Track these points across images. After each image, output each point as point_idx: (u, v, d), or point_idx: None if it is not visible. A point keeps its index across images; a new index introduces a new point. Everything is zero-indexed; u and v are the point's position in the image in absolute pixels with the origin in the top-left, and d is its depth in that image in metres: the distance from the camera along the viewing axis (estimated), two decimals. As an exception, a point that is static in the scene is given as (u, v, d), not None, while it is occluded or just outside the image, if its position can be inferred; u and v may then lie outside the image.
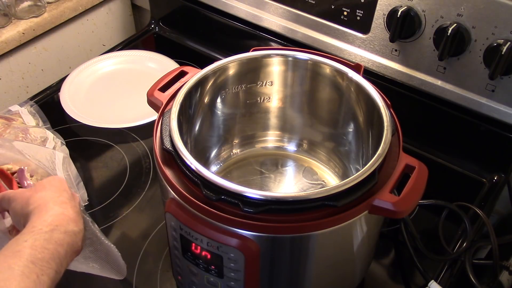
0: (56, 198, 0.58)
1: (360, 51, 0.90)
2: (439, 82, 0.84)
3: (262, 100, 0.78)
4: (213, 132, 0.79)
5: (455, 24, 0.76)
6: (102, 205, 0.84)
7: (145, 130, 0.96)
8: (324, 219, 0.53)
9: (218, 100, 0.75)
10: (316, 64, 0.72)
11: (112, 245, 0.69)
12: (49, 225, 0.54)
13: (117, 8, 1.26)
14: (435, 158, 0.91)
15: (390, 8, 0.82)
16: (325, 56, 0.71)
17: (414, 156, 0.59)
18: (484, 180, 0.87)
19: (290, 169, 0.81)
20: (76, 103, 1.01)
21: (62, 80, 1.06)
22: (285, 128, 0.82)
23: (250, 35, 1.05)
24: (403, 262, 0.78)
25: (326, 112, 0.77)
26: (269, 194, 0.53)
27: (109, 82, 1.08)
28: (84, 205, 0.80)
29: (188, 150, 0.57)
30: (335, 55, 0.88)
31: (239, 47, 0.83)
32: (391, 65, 0.88)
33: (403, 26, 0.81)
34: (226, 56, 0.71)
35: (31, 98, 1.03)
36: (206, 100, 0.73)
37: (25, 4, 1.08)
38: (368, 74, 0.89)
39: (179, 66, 0.90)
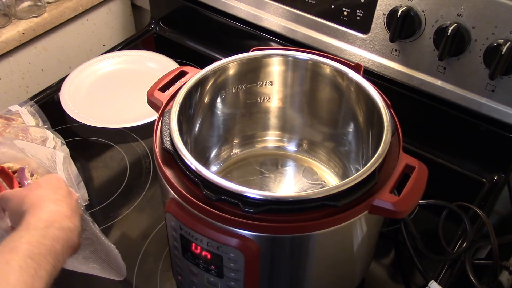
0: (50, 196, 0.58)
1: (360, 51, 0.90)
2: (439, 82, 0.84)
3: (262, 100, 0.78)
4: (213, 132, 0.79)
5: (455, 24, 0.76)
6: (102, 205, 0.84)
7: (145, 130, 0.96)
8: (324, 219, 0.53)
9: (218, 100, 0.75)
10: (316, 64, 0.72)
11: (112, 245, 0.69)
12: (44, 221, 0.54)
13: (117, 8, 1.26)
14: (435, 158, 0.91)
15: (390, 8, 0.82)
16: (325, 56, 0.71)
17: (414, 156, 0.59)
18: (484, 180, 0.87)
19: (290, 169, 0.81)
20: (76, 103, 1.01)
21: (62, 80, 1.06)
22: (285, 128, 0.82)
23: (250, 35, 1.05)
24: (403, 262, 0.78)
25: (326, 112, 0.77)
26: (269, 194, 0.53)
27: (109, 82, 1.08)
28: (84, 205, 0.80)
29: (188, 150, 0.57)
30: (335, 55, 0.88)
31: (239, 47, 0.83)
32: (391, 65, 0.88)
33: (403, 26, 0.81)
34: (226, 56, 0.71)
35: (31, 98, 1.03)
36: (206, 100, 0.73)
37: (25, 4, 1.08)
38: (368, 74, 0.89)
39: (179, 66, 0.90)
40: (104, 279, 0.71)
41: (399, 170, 0.57)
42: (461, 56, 0.79)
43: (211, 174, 0.54)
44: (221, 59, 0.71)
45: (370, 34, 0.87)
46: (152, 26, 1.23)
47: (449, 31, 0.75)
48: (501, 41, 0.73)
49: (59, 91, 1.03)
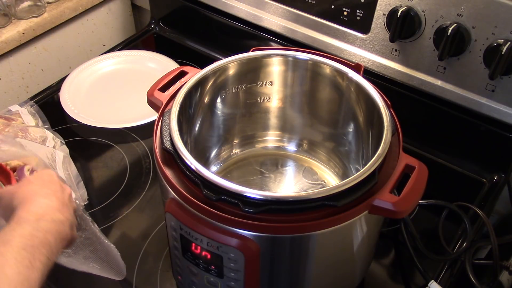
0: (41, 190, 0.59)
1: (360, 51, 0.90)
2: (439, 82, 0.84)
3: (262, 100, 0.78)
4: (213, 132, 0.79)
5: (455, 24, 0.76)
6: (102, 205, 0.84)
7: (145, 130, 0.96)
8: (324, 219, 0.53)
9: (218, 100, 0.75)
10: (316, 64, 0.72)
11: (111, 245, 0.69)
12: (35, 215, 0.55)
13: (117, 8, 1.26)
14: (435, 158, 0.91)
15: (390, 8, 0.82)
16: (325, 56, 0.71)
17: (414, 156, 0.59)
18: (484, 180, 0.87)
19: (290, 169, 0.81)
20: (76, 103, 1.01)
21: (62, 80, 1.06)
22: (285, 128, 0.82)
23: (250, 35, 1.05)
24: (403, 262, 0.78)
25: (326, 112, 0.77)
26: (269, 194, 0.53)
27: (109, 82, 1.08)
28: (84, 205, 0.80)
29: (188, 150, 0.57)
30: (335, 55, 0.88)
31: (239, 47, 0.83)
32: (391, 65, 0.88)
33: (403, 26, 0.81)
34: (226, 56, 0.71)
35: (31, 98, 1.03)
36: (206, 100, 0.73)
37: (25, 4, 1.08)
38: (368, 74, 0.89)
39: (179, 66, 0.89)
40: (104, 279, 0.71)
41: (399, 170, 0.57)
42: (461, 56, 0.79)
43: (211, 174, 0.54)
44: (221, 59, 0.71)
45: (370, 34, 0.87)
46: (152, 26, 1.23)
47: (449, 31, 0.75)
48: (501, 41, 0.73)
49: (59, 91, 1.03)
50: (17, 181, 0.73)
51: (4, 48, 1.03)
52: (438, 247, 0.76)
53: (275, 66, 0.74)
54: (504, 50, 0.72)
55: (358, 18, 0.87)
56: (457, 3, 0.76)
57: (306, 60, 0.72)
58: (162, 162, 0.59)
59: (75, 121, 0.97)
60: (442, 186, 0.86)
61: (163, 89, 0.68)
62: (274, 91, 0.77)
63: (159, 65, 1.11)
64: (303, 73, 0.74)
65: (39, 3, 1.09)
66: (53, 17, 1.10)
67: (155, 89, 0.68)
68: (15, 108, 0.94)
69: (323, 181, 0.79)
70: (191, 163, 0.55)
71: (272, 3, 0.98)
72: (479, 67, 0.78)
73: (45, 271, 0.51)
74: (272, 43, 1.03)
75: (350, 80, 0.69)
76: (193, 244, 0.57)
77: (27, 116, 0.92)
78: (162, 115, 0.64)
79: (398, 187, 0.56)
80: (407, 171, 0.58)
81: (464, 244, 0.74)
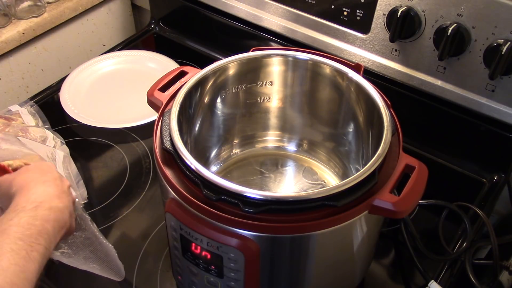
0: (39, 178, 0.58)
1: (360, 51, 0.90)
2: (439, 82, 0.84)
3: (262, 100, 0.78)
4: (213, 132, 0.79)
5: (455, 24, 0.76)
6: (102, 205, 0.84)
7: (145, 130, 0.96)
8: (324, 219, 0.53)
9: (218, 100, 0.75)
10: (316, 64, 0.72)
11: (110, 245, 0.69)
12: (32, 202, 0.54)
13: (117, 8, 1.26)
14: (435, 158, 0.91)
15: (390, 8, 0.82)
16: (325, 56, 0.71)
17: (414, 156, 0.59)
18: (484, 180, 0.87)
19: (290, 169, 0.81)
20: (76, 103, 1.01)
21: (62, 80, 1.06)
22: (285, 128, 0.82)
23: (250, 35, 1.05)
24: (403, 262, 0.78)
25: (326, 112, 0.77)
26: (269, 194, 0.53)
27: (109, 82, 1.08)
28: (84, 203, 0.80)
29: (188, 150, 0.57)
30: (335, 55, 0.88)
31: (239, 47, 0.83)
32: (391, 65, 0.88)
33: (403, 26, 0.81)
34: (226, 56, 0.71)
35: (31, 98, 1.03)
36: (206, 100, 0.73)
37: (25, 4, 1.08)
38: (368, 74, 0.89)
39: (179, 66, 0.89)
40: (104, 279, 0.71)
41: (399, 170, 0.57)
42: (461, 56, 0.79)
43: (211, 174, 0.54)
44: (221, 59, 0.71)
45: (370, 34, 0.87)
46: (152, 26, 1.23)
47: (449, 31, 0.75)
48: (501, 41, 0.73)
49: (59, 91, 1.03)
50: None
51: (4, 48, 1.03)
52: (438, 247, 0.76)
53: (275, 66, 0.74)
54: (504, 50, 0.72)
55: (358, 18, 0.87)
56: (457, 3, 0.76)
57: (306, 60, 0.72)
58: (162, 162, 0.59)
59: (75, 121, 0.97)
60: (442, 186, 0.86)
61: (163, 89, 0.68)
62: (274, 91, 0.77)
63: (159, 65, 1.11)
64: (303, 73, 0.74)
65: (39, 3, 1.09)
66: (53, 17, 1.10)
67: (155, 89, 0.68)
68: (15, 108, 0.94)
69: (323, 181, 0.79)
70: (191, 163, 0.55)
71: (272, 3, 0.98)
72: (479, 67, 0.78)
73: (43, 261, 0.51)
74: (272, 43, 1.03)
75: (350, 80, 0.69)
76: (193, 244, 0.57)
77: (27, 116, 0.92)
78: (162, 115, 0.64)
79: (398, 187, 0.56)
80: (407, 171, 0.58)
81: (464, 244, 0.74)
